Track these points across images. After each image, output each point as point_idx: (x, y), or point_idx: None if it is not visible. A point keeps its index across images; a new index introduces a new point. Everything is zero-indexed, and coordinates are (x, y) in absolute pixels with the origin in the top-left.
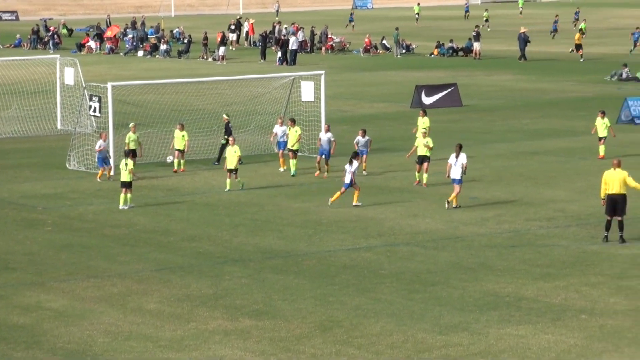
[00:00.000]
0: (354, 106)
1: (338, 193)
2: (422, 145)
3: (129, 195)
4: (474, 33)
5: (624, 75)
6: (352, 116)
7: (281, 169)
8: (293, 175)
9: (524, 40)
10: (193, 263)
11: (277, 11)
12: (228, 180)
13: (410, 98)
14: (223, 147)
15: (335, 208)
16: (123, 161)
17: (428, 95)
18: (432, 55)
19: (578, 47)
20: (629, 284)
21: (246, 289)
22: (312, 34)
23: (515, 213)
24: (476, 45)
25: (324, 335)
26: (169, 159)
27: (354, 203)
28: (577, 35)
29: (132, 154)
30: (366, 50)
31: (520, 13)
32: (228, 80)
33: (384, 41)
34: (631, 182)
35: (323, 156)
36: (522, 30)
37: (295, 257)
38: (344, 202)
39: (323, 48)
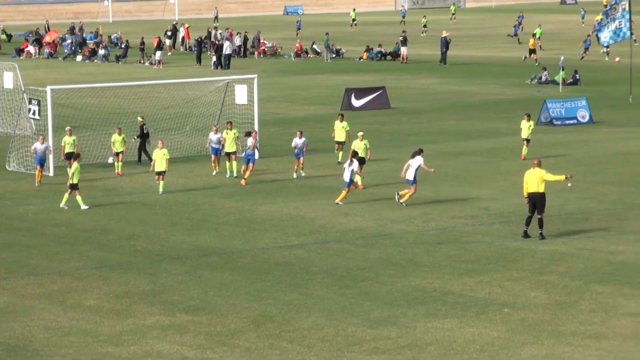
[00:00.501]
0: (286, 109)
1: (344, 192)
2: (359, 147)
3: (78, 196)
4: (401, 38)
5: (544, 79)
6: (285, 118)
7: (214, 172)
8: (235, 177)
9: (445, 44)
10: (131, 261)
11: (216, 17)
12: (161, 182)
13: (340, 101)
14: (141, 148)
15: (268, 207)
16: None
17: (357, 98)
18: (362, 60)
19: (532, 51)
20: (548, 278)
21: (183, 285)
22: (245, 39)
23: (441, 211)
24: (403, 50)
25: (257, 330)
26: (110, 160)
27: (337, 200)
28: (532, 41)
29: (74, 157)
30: (297, 55)
31: (451, 19)
32: (165, 83)
33: (315, 46)
34: (549, 177)
35: (300, 158)
36: (444, 34)
37: (230, 255)
38: (275, 201)
39: (256, 53)
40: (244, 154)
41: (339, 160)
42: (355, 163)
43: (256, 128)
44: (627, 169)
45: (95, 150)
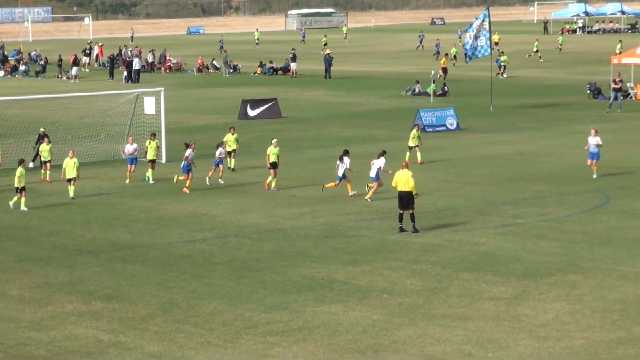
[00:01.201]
0: (189, 118)
1: (332, 184)
2: (273, 154)
3: (23, 198)
4: (290, 55)
5: (417, 91)
6: (188, 127)
7: (127, 181)
8: (151, 183)
9: (328, 61)
10: (51, 255)
11: (132, 37)
12: (72, 188)
13: (237, 111)
14: (37, 152)
15: (174, 206)
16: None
17: (252, 108)
18: (256, 74)
19: (445, 70)
20: (422, 267)
21: (98, 276)
22: (153, 56)
23: (328, 209)
24: (293, 66)
25: (165, 315)
26: (31, 164)
27: (350, 194)
28: (444, 60)
29: (19, 162)
30: (199, 70)
31: (345, 38)
32: (81, 96)
33: (214, 62)
34: (411, 182)
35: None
36: (327, 52)
37: (140, 249)
38: (181, 201)
39: (162, 68)
40: (182, 164)
41: (231, 167)
42: (347, 160)
43: (163, 136)
44: (489, 170)
45: (18, 156)
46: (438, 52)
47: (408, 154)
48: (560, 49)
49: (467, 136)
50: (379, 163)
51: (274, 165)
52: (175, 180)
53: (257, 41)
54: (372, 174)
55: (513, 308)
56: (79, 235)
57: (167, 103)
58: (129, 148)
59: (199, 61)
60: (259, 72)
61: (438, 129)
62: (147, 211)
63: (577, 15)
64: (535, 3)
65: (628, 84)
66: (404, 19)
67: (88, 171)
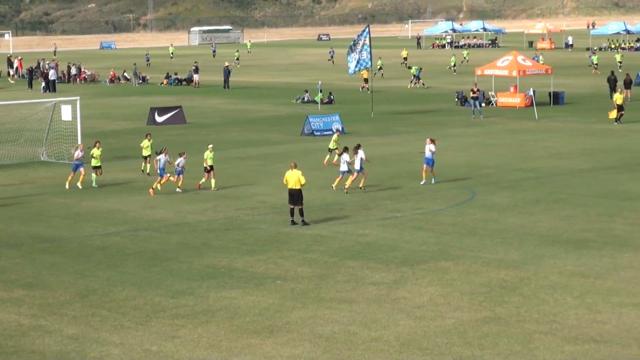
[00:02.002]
0: (103, 124)
1: (338, 179)
2: (209, 158)
3: None
4: (193, 67)
5: (306, 99)
6: (102, 132)
7: (67, 185)
8: (95, 186)
9: (227, 72)
10: None
11: (55, 51)
12: None
13: (146, 117)
14: None
15: (90, 202)
16: None
17: (160, 115)
18: (162, 85)
19: (366, 80)
20: (311, 256)
21: (19, 267)
22: (69, 68)
23: (227, 204)
24: (196, 77)
25: (82, 301)
26: None
27: (347, 187)
28: (365, 72)
29: None
30: (111, 81)
31: (249, 52)
32: (2, 105)
33: (125, 73)
34: (302, 180)
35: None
36: (226, 64)
37: (59, 241)
38: (96, 198)
39: (78, 79)
40: (176, 170)
41: (145, 170)
42: (345, 156)
43: (79, 140)
44: (371, 169)
45: None
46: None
47: (328, 156)
48: (464, 61)
49: (351, 139)
50: (360, 155)
51: (211, 168)
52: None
53: (171, 55)
54: (357, 165)
55: (393, 292)
56: (1, 230)
57: (82, 110)
58: (79, 154)
59: (111, 73)
60: (165, 82)
61: (325, 132)
62: (65, 208)
63: (446, 32)
64: (410, 21)
65: (490, 93)
66: (293, 35)
67: (8, 172)
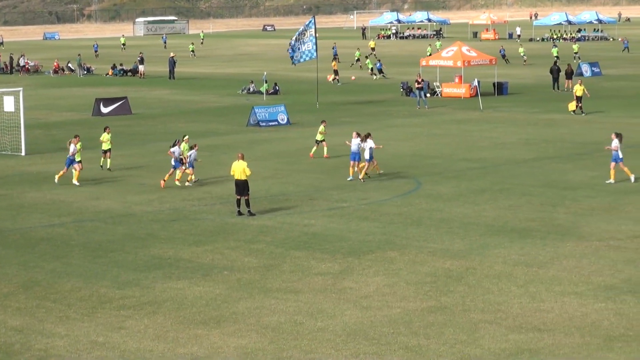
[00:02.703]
0: (47, 115)
1: (363, 170)
2: (185, 149)
3: None
4: (138, 58)
5: (251, 90)
6: (46, 123)
7: (56, 179)
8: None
9: (173, 63)
10: None
11: (2, 42)
12: None
13: (91, 108)
14: None
15: (34, 194)
16: None
17: (105, 106)
18: (108, 75)
19: (336, 72)
20: (258, 247)
21: None
22: (11, 59)
23: (174, 195)
24: (141, 68)
25: (26, 293)
26: None
27: (360, 177)
28: (334, 63)
29: None
30: (55, 72)
31: (202, 43)
32: None
33: (69, 64)
34: (247, 171)
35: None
36: (172, 55)
37: (2, 233)
38: (40, 189)
39: (21, 70)
40: (188, 162)
41: (105, 165)
42: (371, 142)
43: (22, 131)
44: (317, 160)
45: None
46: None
47: (315, 147)
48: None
49: (297, 130)
50: (369, 144)
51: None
52: (188, 179)
53: (123, 46)
54: (366, 155)
55: (339, 282)
56: None
57: (25, 101)
58: (73, 148)
59: (55, 64)
60: (110, 73)
61: (271, 123)
62: (9, 199)
63: (391, 22)
64: (355, 12)
65: (435, 83)
66: (238, 26)
67: None
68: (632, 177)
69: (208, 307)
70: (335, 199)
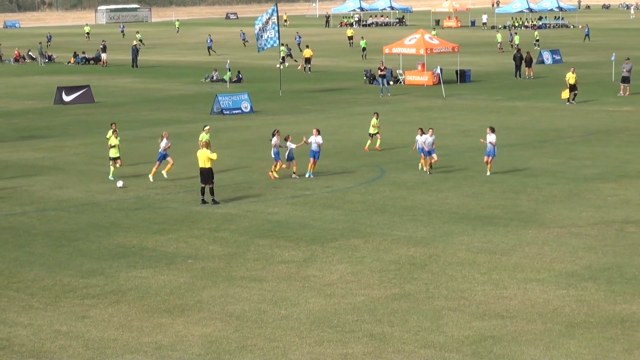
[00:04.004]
0: (8, 103)
1: (428, 164)
2: (204, 139)
3: None
4: (101, 46)
5: (215, 78)
6: (7, 111)
7: (151, 177)
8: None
9: (136, 51)
10: None
11: None
12: None
13: (53, 97)
14: None
15: None
16: None
17: (67, 94)
18: (70, 64)
19: (307, 60)
20: (222, 235)
21: None
22: None
23: (137, 184)
24: (103, 56)
25: None
26: None
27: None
28: (306, 51)
29: None
30: (16, 60)
31: (177, 32)
32: None
33: (30, 53)
34: (212, 156)
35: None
36: (134, 43)
37: None
38: (3, 177)
39: None
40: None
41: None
42: (425, 137)
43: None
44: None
45: None
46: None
47: (369, 141)
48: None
49: (260, 118)
50: (428, 139)
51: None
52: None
53: (87, 35)
54: (429, 147)
55: (303, 270)
56: None
57: None
58: (165, 143)
59: (16, 52)
60: (72, 61)
61: (234, 111)
62: None
63: (354, 10)
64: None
65: (398, 71)
66: (201, 14)
67: None
68: (425, 168)
69: (172, 295)
70: (298, 187)
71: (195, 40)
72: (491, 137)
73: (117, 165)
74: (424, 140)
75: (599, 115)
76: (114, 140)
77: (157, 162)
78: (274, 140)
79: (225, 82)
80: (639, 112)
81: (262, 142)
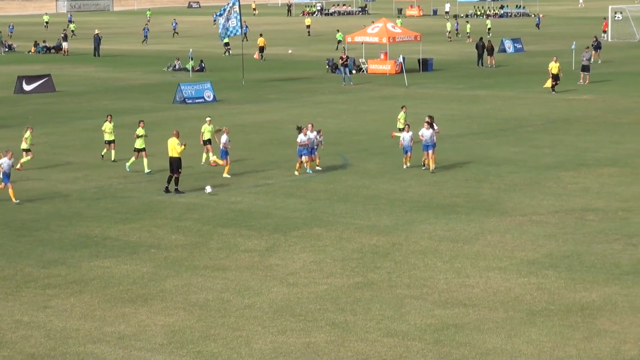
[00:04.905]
0: None
1: (431, 162)
2: (208, 130)
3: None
4: (62, 35)
5: (177, 67)
6: None
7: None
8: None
9: (98, 40)
10: None
11: None
12: None
13: (13, 86)
14: None
15: None
16: None
17: (28, 83)
18: (30, 53)
19: (261, 49)
20: (185, 224)
21: None
22: None
23: (100, 173)
24: (64, 45)
25: None
26: None
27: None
28: (261, 40)
29: None
30: None
31: (149, 21)
32: None
33: None
34: (178, 148)
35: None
36: (96, 32)
37: None
38: None
39: None
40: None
41: (110, 157)
42: (433, 128)
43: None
44: (243, 137)
45: None
46: (146, 37)
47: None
48: None
49: (223, 107)
50: (431, 130)
51: (208, 142)
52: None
53: (46, 25)
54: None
55: (265, 259)
56: None
57: None
58: (302, 138)
59: None
60: (33, 50)
61: (197, 100)
62: None
63: None
64: None
65: (360, 60)
66: (163, 3)
67: None
68: (406, 166)
69: (135, 285)
70: (261, 176)
71: (157, 29)
72: (427, 132)
73: (139, 157)
74: (424, 134)
75: (559, 103)
76: (140, 131)
77: (224, 160)
78: (301, 137)
79: (188, 71)
80: (598, 100)
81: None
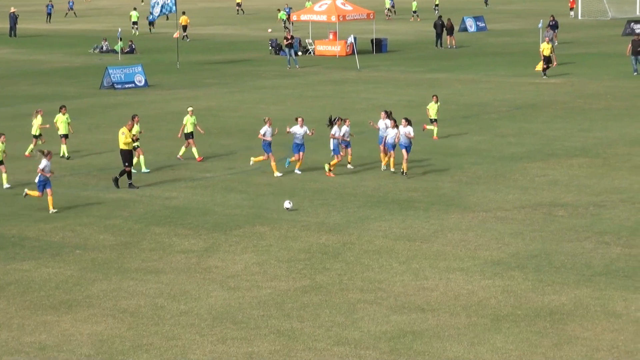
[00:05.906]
0: None
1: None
2: (191, 122)
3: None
4: None
5: (105, 48)
6: None
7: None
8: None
9: (14, 19)
10: None
11: None
12: None
13: None
14: None
15: None
16: None
17: None
18: None
19: (185, 28)
20: (114, 222)
21: None
22: None
23: (17, 166)
24: None
25: None
26: None
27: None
28: (184, 19)
29: None
30: None
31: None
32: None
33: None
34: (126, 140)
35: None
36: (12, 10)
37: None
38: None
39: None
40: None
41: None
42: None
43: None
44: (177, 125)
45: None
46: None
47: (435, 128)
48: None
49: (156, 92)
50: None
51: (191, 135)
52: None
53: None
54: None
55: (204, 260)
56: None
57: None
58: (297, 129)
59: None
60: None
61: (127, 85)
62: None
63: None
64: None
65: (307, 40)
66: None
67: None
68: (384, 167)
69: (58, 290)
70: (198, 169)
71: (82, 6)
72: (407, 129)
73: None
74: (402, 132)
75: (525, 87)
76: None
77: (267, 154)
78: (335, 130)
79: (117, 53)
80: (566, 84)
81: (158, 119)
